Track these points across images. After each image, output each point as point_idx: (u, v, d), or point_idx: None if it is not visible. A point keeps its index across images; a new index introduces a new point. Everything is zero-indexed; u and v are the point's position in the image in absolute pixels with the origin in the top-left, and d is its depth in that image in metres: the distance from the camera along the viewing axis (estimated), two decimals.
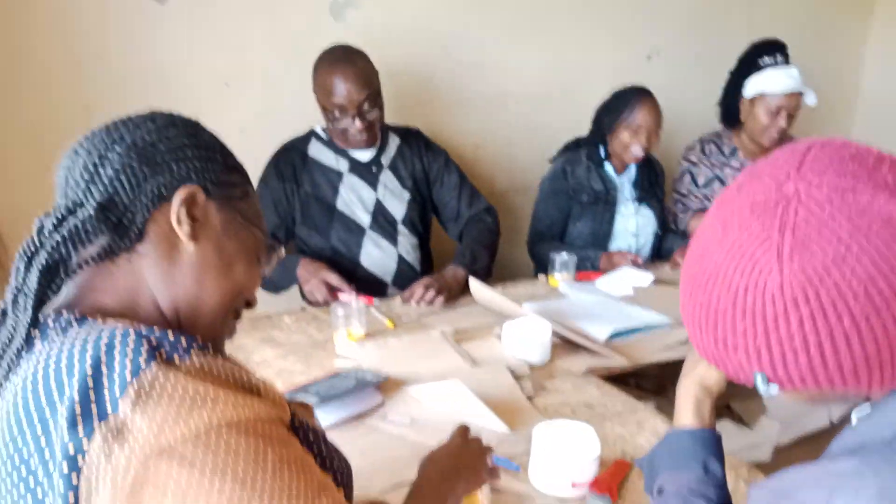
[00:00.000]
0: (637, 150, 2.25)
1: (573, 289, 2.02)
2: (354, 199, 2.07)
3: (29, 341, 0.67)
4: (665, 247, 2.42)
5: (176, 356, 0.63)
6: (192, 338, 0.66)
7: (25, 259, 0.68)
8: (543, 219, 2.38)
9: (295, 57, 2.25)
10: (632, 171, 2.38)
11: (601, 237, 2.35)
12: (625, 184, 2.37)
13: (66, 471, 0.58)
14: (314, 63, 1.99)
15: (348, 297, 1.79)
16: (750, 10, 3.03)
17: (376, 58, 2.02)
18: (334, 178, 2.06)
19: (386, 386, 1.42)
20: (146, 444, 0.57)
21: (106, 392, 0.59)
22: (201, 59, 2.18)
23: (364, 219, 2.08)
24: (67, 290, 0.71)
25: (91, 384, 0.59)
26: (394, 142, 2.15)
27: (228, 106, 2.22)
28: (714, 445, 0.90)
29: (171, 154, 0.72)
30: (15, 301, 0.68)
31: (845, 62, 3.36)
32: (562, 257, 2.07)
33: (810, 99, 2.33)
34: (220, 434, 0.59)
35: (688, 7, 2.91)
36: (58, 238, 0.68)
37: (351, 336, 1.66)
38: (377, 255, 2.09)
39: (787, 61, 2.36)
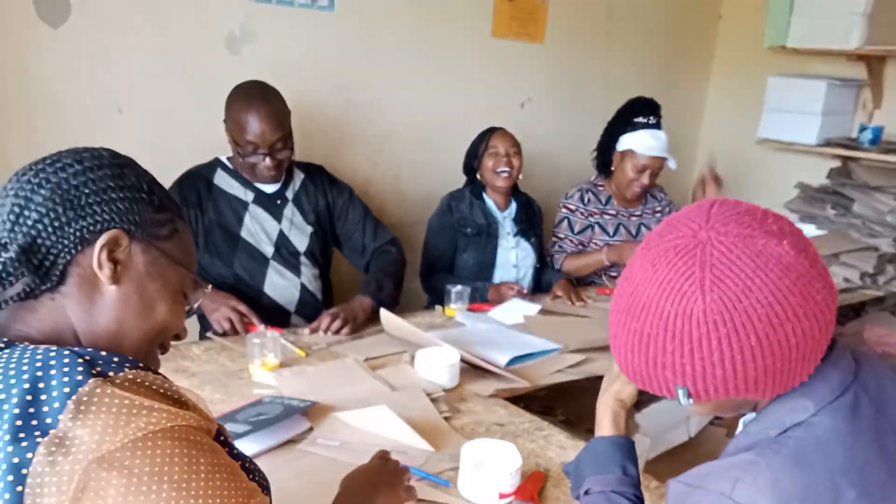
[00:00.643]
0: (503, 170, 2.48)
1: (469, 319, 2.17)
2: (258, 229, 2.10)
3: None
4: (545, 279, 2.64)
5: (110, 372, 0.69)
6: (123, 356, 0.72)
7: None
8: (434, 251, 2.55)
9: (190, 88, 2.29)
10: (512, 208, 2.61)
11: (485, 267, 2.54)
12: (506, 219, 2.59)
13: (10, 479, 0.62)
14: (229, 95, 2.03)
15: (260, 327, 1.83)
16: (607, 65, 3.38)
17: None
18: (239, 207, 2.08)
19: (313, 411, 1.47)
20: (88, 453, 0.62)
21: (45, 408, 0.64)
22: (94, 86, 2.14)
23: (268, 249, 2.11)
24: None
25: (31, 399, 0.64)
26: (298, 177, 2.21)
27: (120, 132, 2.19)
28: (630, 451, 1.07)
29: (95, 196, 0.73)
30: None
31: (687, 114, 3.80)
32: (457, 289, 2.22)
33: (672, 164, 2.59)
34: (155, 441, 0.64)
35: (553, 60, 3.19)
36: None
37: (265, 365, 1.69)
38: (280, 284, 2.12)
39: (658, 124, 2.59)
